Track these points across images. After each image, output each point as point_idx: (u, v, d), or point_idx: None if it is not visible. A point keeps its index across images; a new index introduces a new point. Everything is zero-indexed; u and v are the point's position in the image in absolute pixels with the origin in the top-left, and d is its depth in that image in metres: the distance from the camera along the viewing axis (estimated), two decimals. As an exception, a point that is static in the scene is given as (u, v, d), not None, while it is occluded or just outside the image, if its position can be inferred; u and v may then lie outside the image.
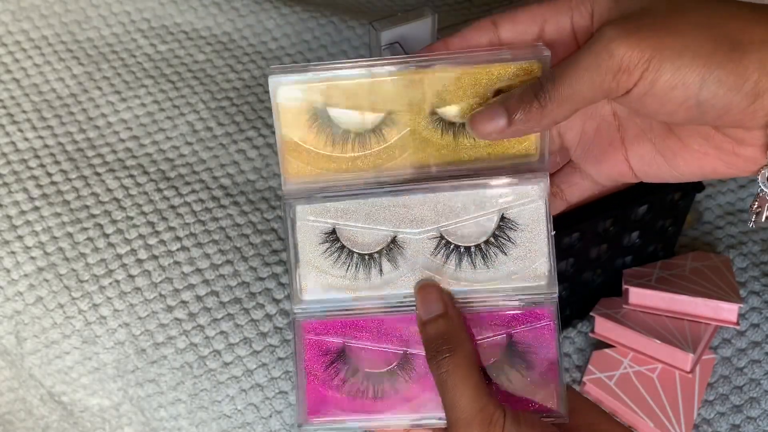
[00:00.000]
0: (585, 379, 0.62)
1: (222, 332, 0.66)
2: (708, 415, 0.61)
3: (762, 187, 0.35)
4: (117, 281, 0.69)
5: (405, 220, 0.40)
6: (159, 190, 0.75)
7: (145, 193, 0.75)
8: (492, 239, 0.40)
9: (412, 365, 0.41)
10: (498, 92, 0.38)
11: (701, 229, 0.74)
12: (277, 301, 0.68)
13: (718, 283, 0.62)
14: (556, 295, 0.40)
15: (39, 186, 0.75)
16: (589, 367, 0.62)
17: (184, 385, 0.65)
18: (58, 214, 0.73)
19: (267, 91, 0.84)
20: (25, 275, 0.70)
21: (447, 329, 0.38)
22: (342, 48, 0.89)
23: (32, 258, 0.70)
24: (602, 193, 0.44)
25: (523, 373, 0.40)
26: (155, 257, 0.70)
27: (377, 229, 0.41)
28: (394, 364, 0.41)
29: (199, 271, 0.70)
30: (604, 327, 0.63)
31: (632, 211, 0.61)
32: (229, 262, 0.70)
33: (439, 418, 0.40)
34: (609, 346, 0.63)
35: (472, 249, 0.40)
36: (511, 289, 0.40)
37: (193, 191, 0.75)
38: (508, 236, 0.40)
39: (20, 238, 0.72)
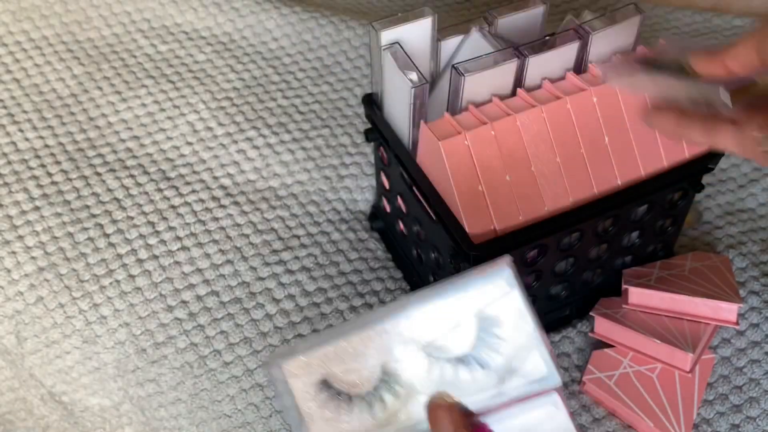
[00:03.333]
0: (585, 378, 0.62)
1: (222, 332, 0.66)
2: (708, 415, 0.61)
3: None
4: (117, 281, 0.69)
5: (387, 350, 0.40)
6: (159, 190, 0.75)
7: (146, 193, 0.75)
8: (479, 342, 0.39)
9: None
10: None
11: (701, 229, 0.74)
12: (277, 301, 0.68)
13: (717, 283, 0.62)
14: (558, 385, 0.39)
15: (40, 186, 0.75)
16: (589, 366, 0.62)
17: (185, 384, 0.65)
18: (59, 214, 0.73)
19: (267, 92, 0.85)
20: (26, 275, 0.70)
21: None
22: (342, 48, 0.89)
23: (33, 258, 0.70)
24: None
25: None
26: (155, 257, 0.70)
27: (364, 367, 0.40)
28: None
29: (199, 270, 0.70)
30: (603, 327, 0.63)
31: (632, 211, 0.61)
32: (229, 261, 0.70)
33: None
34: (609, 345, 0.63)
35: (465, 359, 0.39)
36: (514, 387, 0.39)
37: (194, 191, 0.75)
38: (494, 334, 0.39)
39: (21, 237, 0.72)
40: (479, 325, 0.39)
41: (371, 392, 0.40)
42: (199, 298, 0.68)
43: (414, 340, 0.39)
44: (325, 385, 0.40)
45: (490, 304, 0.39)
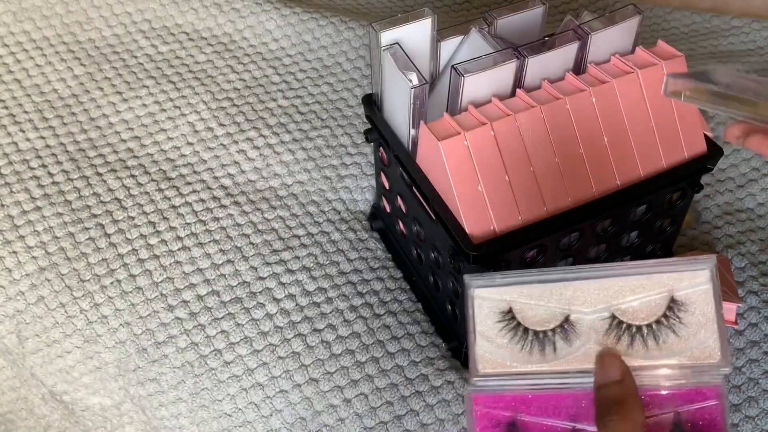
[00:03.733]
0: (584, 378, 0.62)
1: (223, 331, 0.66)
2: (706, 414, 0.62)
3: None
4: (118, 281, 0.69)
5: (577, 301, 0.42)
6: (160, 190, 0.76)
7: (147, 193, 0.75)
8: (663, 319, 0.41)
9: None
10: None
11: (700, 229, 0.74)
12: (277, 301, 0.68)
13: (716, 283, 0.62)
14: (727, 372, 0.41)
15: (41, 186, 0.76)
16: (588, 366, 0.62)
17: (185, 384, 0.65)
18: (60, 214, 0.73)
19: (267, 92, 0.85)
20: (27, 275, 0.70)
21: (621, 394, 0.39)
22: (342, 49, 0.89)
23: (34, 257, 0.71)
24: None
25: None
26: (156, 257, 0.70)
27: (551, 307, 0.42)
28: None
29: (199, 270, 0.70)
30: (602, 326, 0.63)
31: (631, 211, 0.61)
32: (229, 261, 0.70)
33: None
34: (608, 345, 0.64)
35: (644, 329, 0.41)
36: (682, 367, 0.41)
37: (194, 191, 0.76)
38: (678, 317, 0.41)
39: (22, 237, 0.72)
40: (668, 304, 0.41)
41: (547, 333, 0.42)
42: (199, 297, 0.68)
43: (603, 301, 0.42)
44: (509, 314, 0.43)
45: (684, 289, 0.41)
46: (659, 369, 0.41)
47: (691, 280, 0.41)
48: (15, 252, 0.71)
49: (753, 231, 0.74)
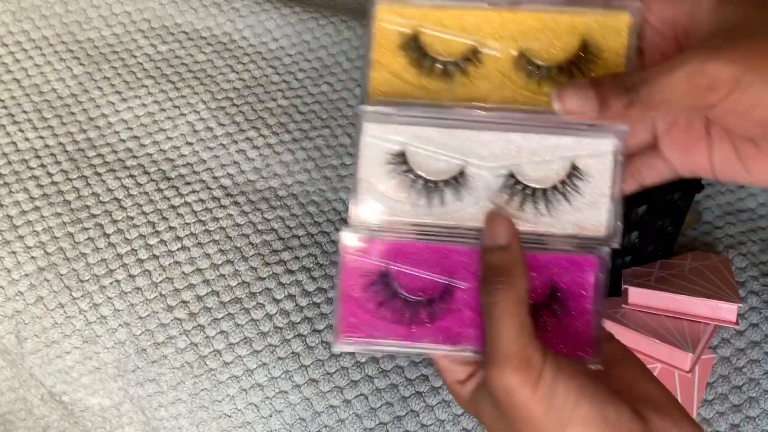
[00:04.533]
0: (584, 378, 0.62)
1: (222, 332, 0.66)
2: (707, 415, 0.61)
3: None
4: (117, 281, 0.69)
5: (476, 153, 0.40)
6: (159, 190, 0.75)
7: (146, 193, 0.75)
8: (559, 185, 0.40)
9: (453, 298, 0.40)
10: (583, 43, 0.39)
11: (700, 229, 0.74)
12: (277, 301, 0.68)
13: (717, 283, 0.62)
14: (614, 246, 0.40)
15: (40, 186, 0.75)
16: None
17: (185, 384, 0.65)
18: (59, 214, 0.73)
19: (267, 92, 0.85)
20: (26, 275, 0.70)
21: (507, 261, 0.38)
22: (342, 48, 0.89)
23: (33, 258, 0.70)
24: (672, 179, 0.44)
25: (561, 318, 0.40)
26: (156, 257, 0.70)
27: (447, 157, 0.40)
28: (435, 294, 0.40)
29: (199, 270, 0.70)
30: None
31: (631, 211, 0.61)
32: (229, 261, 0.70)
33: (475, 352, 0.40)
34: (608, 345, 0.63)
35: (538, 192, 0.40)
36: (569, 236, 0.40)
37: (194, 191, 0.76)
38: (575, 185, 0.40)
39: (21, 237, 0.72)
40: (569, 171, 0.40)
41: (438, 184, 0.40)
42: (199, 298, 0.68)
43: (503, 158, 0.40)
44: (400, 156, 0.40)
45: (586, 158, 0.40)
46: (546, 235, 0.40)
47: (595, 148, 0.40)
48: (14, 252, 0.71)
49: (754, 231, 0.73)
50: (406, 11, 0.40)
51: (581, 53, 0.40)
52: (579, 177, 0.40)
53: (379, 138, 0.40)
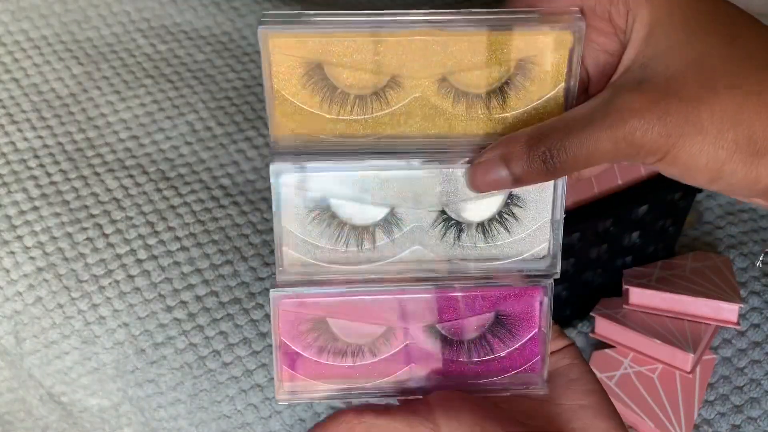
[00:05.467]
0: (585, 379, 0.62)
1: (222, 332, 0.66)
2: (708, 416, 0.61)
3: None
4: (116, 281, 0.69)
5: (405, 191, 0.38)
6: (158, 190, 0.75)
7: (145, 193, 0.75)
8: (497, 215, 0.38)
9: (394, 336, 0.39)
10: (520, 62, 0.36)
11: (701, 229, 0.74)
12: (276, 302, 0.68)
13: (718, 284, 0.62)
14: (556, 275, 0.39)
15: (38, 186, 0.75)
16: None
17: (184, 385, 0.65)
18: (58, 214, 0.73)
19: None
20: (25, 275, 0.70)
21: None
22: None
23: (31, 258, 0.70)
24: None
25: (507, 344, 0.40)
26: (155, 257, 0.70)
27: (373, 200, 0.38)
28: (375, 334, 0.40)
29: (198, 271, 0.69)
30: (604, 327, 0.63)
31: (632, 211, 0.61)
32: (228, 262, 0.70)
33: (414, 392, 0.40)
34: (609, 346, 0.63)
35: (475, 225, 0.38)
36: (509, 267, 0.39)
37: (193, 191, 0.75)
38: (513, 213, 0.38)
39: (19, 238, 0.72)
40: (505, 201, 0.38)
41: (368, 228, 0.38)
42: (198, 298, 0.68)
43: (434, 194, 0.38)
44: (323, 203, 0.38)
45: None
46: (484, 271, 0.39)
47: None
48: (13, 252, 0.71)
49: (755, 231, 0.73)
50: (307, 41, 0.35)
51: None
52: (518, 205, 0.38)
53: (298, 187, 0.37)
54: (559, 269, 0.39)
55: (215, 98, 0.83)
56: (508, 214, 0.38)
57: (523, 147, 0.34)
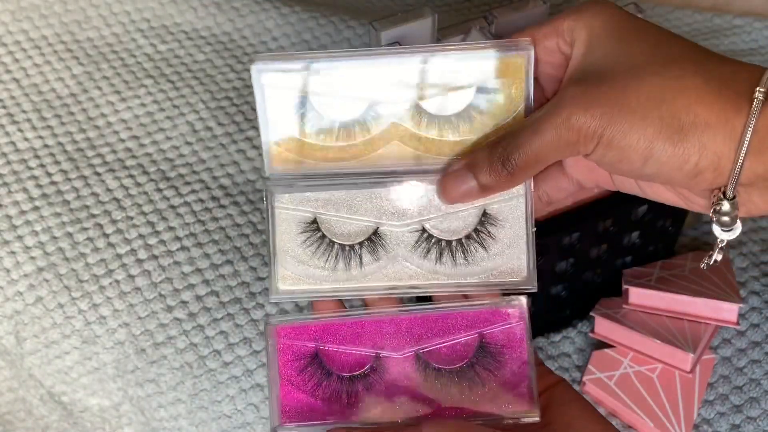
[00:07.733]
0: (585, 379, 0.62)
1: (222, 332, 0.66)
2: (708, 415, 0.61)
3: (715, 234, 0.40)
4: (117, 281, 0.69)
5: (387, 212, 0.41)
6: (159, 190, 0.75)
7: (145, 193, 0.75)
8: (473, 234, 0.41)
9: (385, 368, 0.41)
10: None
11: (701, 229, 0.74)
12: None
13: (718, 283, 0.62)
14: (533, 290, 0.41)
15: (39, 186, 0.75)
16: (589, 367, 0.62)
17: (184, 385, 0.65)
18: (58, 214, 0.73)
19: (267, 91, 0.84)
20: (25, 275, 0.70)
21: None
22: (342, 47, 0.89)
23: (32, 258, 0.70)
24: (582, 198, 0.45)
25: (495, 372, 0.41)
26: (155, 257, 0.70)
27: (359, 220, 0.41)
28: (367, 367, 0.41)
29: (199, 271, 0.70)
30: (604, 327, 0.63)
31: (632, 211, 0.61)
32: (229, 262, 0.70)
33: (411, 418, 0.41)
34: (609, 346, 0.63)
35: (454, 243, 0.41)
36: (489, 284, 0.41)
37: (193, 191, 0.75)
38: (488, 231, 0.41)
39: (20, 238, 0.72)
40: (480, 218, 0.41)
41: (354, 247, 0.41)
42: (198, 298, 0.68)
43: (414, 213, 0.41)
44: (313, 224, 0.41)
45: (497, 203, 0.41)
46: (465, 287, 0.41)
47: (504, 193, 0.40)
48: (13, 252, 0.71)
49: (755, 231, 0.73)
50: (294, 76, 0.39)
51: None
52: (492, 223, 0.41)
53: (290, 208, 0.41)
54: (536, 284, 0.41)
55: (215, 98, 0.83)
56: (484, 233, 0.41)
57: (485, 152, 0.38)
